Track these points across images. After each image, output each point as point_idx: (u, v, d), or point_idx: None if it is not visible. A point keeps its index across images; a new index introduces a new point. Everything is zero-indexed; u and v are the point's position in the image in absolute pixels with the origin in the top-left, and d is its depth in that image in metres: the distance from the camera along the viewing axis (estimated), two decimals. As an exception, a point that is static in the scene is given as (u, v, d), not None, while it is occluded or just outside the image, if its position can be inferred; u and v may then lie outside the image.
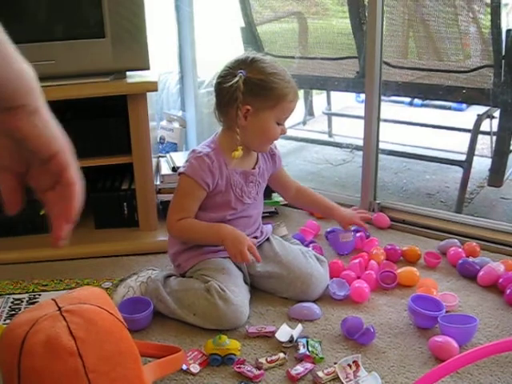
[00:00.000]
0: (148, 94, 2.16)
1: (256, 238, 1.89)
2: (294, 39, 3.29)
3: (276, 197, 2.40)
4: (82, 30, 2.12)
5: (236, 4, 3.20)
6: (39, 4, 2.12)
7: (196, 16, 3.00)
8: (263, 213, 2.00)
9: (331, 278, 1.86)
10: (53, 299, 1.24)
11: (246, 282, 1.82)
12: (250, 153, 1.87)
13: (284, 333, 1.60)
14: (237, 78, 1.71)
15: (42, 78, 2.15)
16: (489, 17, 2.56)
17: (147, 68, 2.14)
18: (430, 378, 1.12)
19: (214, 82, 1.82)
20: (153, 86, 2.13)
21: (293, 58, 3.24)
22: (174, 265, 1.90)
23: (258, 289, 1.85)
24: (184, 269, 1.84)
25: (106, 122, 2.21)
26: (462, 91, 2.69)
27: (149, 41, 2.12)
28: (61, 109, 2.24)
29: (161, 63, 2.42)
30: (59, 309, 1.19)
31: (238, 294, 1.69)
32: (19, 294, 1.91)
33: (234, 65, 1.76)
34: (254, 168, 1.88)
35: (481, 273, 1.88)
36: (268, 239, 1.92)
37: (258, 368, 1.48)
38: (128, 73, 2.19)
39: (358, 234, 2.15)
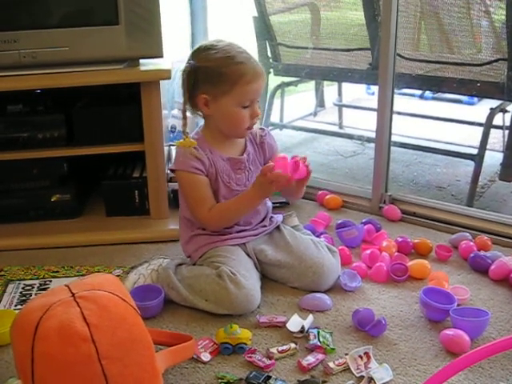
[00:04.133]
0: (160, 82, 2.16)
1: (265, 226, 1.89)
2: (307, 30, 3.27)
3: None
4: (96, 17, 2.12)
5: (249, -7, 3.19)
6: (53, -10, 2.12)
7: (209, 4, 2.99)
8: (274, 203, 1.99)
9: (342, 266, 1.86)
10: (66, 285, 1.24)
11: (256, 268, 1.82)
12: (235, 140, 1.87)
13: (295, 323, 1.60)
14: (187, 69, 1.74)
15: (55, 65, 2.16)
16: (501, 11, 2.55)
17: (161, 56, 2.13)
18: (443, 375, 1.11)
19: None
20: (166, 74, 2.13)
21: (306, 48, 3.23)
22: (186, 255, 1.91)
23: (268, 278, 1.85)
24: (194, 259, 1.85)
25: (118, 110, 2.21)
26: (476, 84, 2.67)
27: (162, 28, 2.12)
28: (74, 96, 2.25)
29: (173, 51, 2.41)
30: (73, 295, 1.19)
31: (249, 278, 1.69)
32: (30, 279, 1.92)
33: (190, 55, 1.78)
34: (241, 155, 1.87)
35: (492, 267, 1.87)
36: (279, 229, 1.92)
37: (269, 358, 1.48)
38: (141, 60, 2.18)
39: (365, 227, 2.14)
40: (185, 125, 1.78)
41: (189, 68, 1.73)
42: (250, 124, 1.78)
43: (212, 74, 1.71)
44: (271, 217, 1.95)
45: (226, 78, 1.70)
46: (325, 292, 1.78)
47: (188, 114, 2.78)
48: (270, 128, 3.47)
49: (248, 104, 1.75)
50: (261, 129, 1.93)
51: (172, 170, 1.83)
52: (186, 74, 1.74)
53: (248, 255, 1.82)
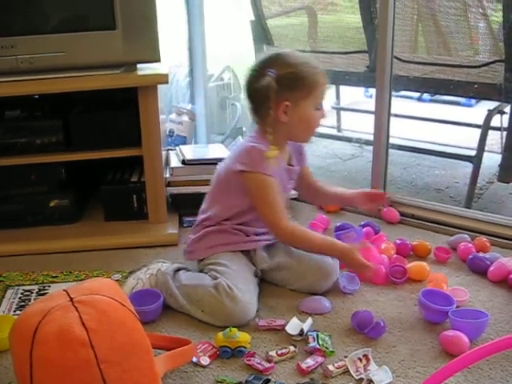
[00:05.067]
0: (158, 86, 2.16)
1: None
2: (304, 33, 3.28)
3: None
4: (92, 22, 2.12)
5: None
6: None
7: (206, 9, 2.99)
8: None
9: (340, 268, 1.86)
10: (64, 290, 1.24)
11: (256, 275, 1.82)
12: (284, 149, 1.85)
13: (294, 326, 1.60)
14: (268, 78, 1.71)
15: (52, 70, 2.17)
16: (498, 13, 2.55)
17: (158, 60, 2.14)
18: (442, 375, 1.11)
19: (244, 87, 1.82)
20: (163, 79, 2.13)
21: (303, 51, 3.21)
22: (187, 250, 1.90)
23: (268, 282, 1.85)
24: (201, 256, 1.84)
25: (116, 115, 2.21)
26: (473, 86, 2.67)
27: (159, 33, 2.12)
28: (71, 101, 2.25)
29: (170, 56, 2.42)
30: (71, 299, 1.19)
31: (246, 292, 1.68)
32: (29, 285, 1.92)
33: (260, 66, 1.77)
34: (289, 164, 1.88)
35: (491, 268, 1.87)
36: None
37: (268, 361, 1.48)
38: (138, 65, 2.19)
39: (364, 229, 2.14)
40: (271, 139, 1.75)
41: (270, 78, 1.71)
42: (318, 126, 1.84)
43: (294, 78, 1.72)
44: None
45: (307, 82, 1.73)
46: (324, 295, 1.78)
47: (185, 117, 2.79)
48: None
49: (320, 106, 1.79)
50: None
51: (242, 171, 1.76)
52: (267, 86, 1.71)
53: (252, 262, 1.83)
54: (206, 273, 1.78)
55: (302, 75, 1.73)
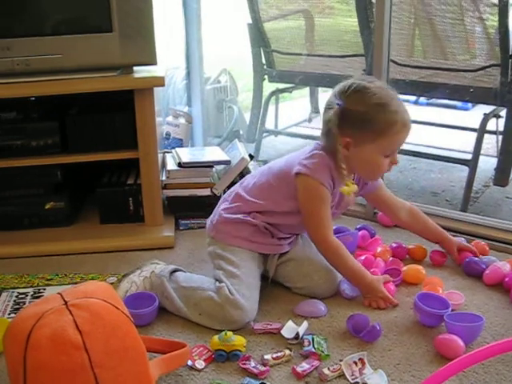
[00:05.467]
0: (154, 89, 2.16)
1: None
2: (301, 37, 3.28)
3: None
4: (89, 25, 2.12)
5: (243, 0, 3.19)
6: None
7: (203, 12, 2.99)
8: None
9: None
10: (59, 293, 1.24)
11: (266, 277, 1.82)
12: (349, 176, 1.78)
13: (290, 329, 1.60)
14: (333, 110, 1.67)
15: (49, 72, 2.16)
16: (494, 17, 2.56)
17: (154, 63, 2.14)
18: (437, 378, 1.11)
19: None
20: (160, 81, 2.13)
21: (300, 55, 3.24)
22: (214, 226, 1.85)
23: (271, 280, 1.84)
24: (220, 239, 1.81)
25: (112, 117, 2.20)
26: (469, 90, 2.68)
27: (156, 36, 2.12)
28: (67, 103, 2.25)
29: (167, 58, 2.42)
30: (65, 303, 1.19)
31: (249, 298, 1.66)
32: (24, 288, 1.91)
33: (336, 93, 1.70)
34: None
35: (487, 272, 1.87)
36: None
37: (264, 364, 1.47)
38: (135, 68, 2.19)
39: (359, 233, 2.14)
40: (342, 177, 1.70)
41: (337, 109, 1.66)
42: (386, 171, 1.76)
43: (361, 119, 1.65)
44: None
45: (376, 127, 1.65)
46: (320, 298, 1.78)
47: (181, 120, 2.79)
48: (265, 135, 3.47)
49: (390, 153, 1.71)
50: None
51: (299, 173, 1.73)
52: (329, 118, 1.68)
53: (264, 265, 1.83)
54: (213, 265, 1.78)
55: (370, 118, 1.64)
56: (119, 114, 2.21)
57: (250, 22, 3.25)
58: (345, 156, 1.69)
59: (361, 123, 1.65)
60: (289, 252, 1.85)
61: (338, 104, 1.66)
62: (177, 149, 2.59)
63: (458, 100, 3.51)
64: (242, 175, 2.31)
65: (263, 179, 1.83)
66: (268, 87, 3.48)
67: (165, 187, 2.35)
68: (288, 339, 1.58)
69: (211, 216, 1.90)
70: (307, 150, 1.78)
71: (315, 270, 1.79)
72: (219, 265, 1.76)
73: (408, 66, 2.87)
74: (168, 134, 2.93)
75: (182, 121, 2.94)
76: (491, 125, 2.87)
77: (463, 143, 3.28)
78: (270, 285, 1.84)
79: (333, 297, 1.80)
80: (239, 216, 1.80)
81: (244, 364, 1.47)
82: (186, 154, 2.47)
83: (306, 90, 4.16)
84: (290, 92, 3.73)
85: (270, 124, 3.65)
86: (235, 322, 1.62)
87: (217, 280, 1.71)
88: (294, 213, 1.77)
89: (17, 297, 1.86)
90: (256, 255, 1.80)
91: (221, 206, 1.88)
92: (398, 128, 1.66)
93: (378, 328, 1.57)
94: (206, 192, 2.36)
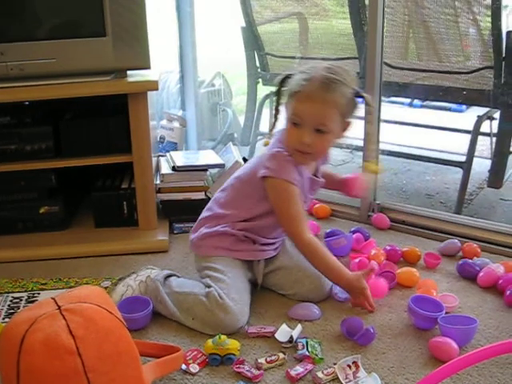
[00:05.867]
0: (148, 93, 2.16)
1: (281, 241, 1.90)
2: (295, 39, 3.28)
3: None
4: (83, 29, 2.12)
5: (237, 4, 3.20)
6: (40, 2, 2.12)
7: (197, 15, 3.00)
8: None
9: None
10: (52, 298, 1.24)
11: (254, 284, 1.82)
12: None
13: (283, 333, 1.60)
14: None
15: (43, 77, 2.16)
16: (489, 19, 2.56)
17: (148, 67, 2.13)
18: (431, 381, 1.11)
19: None
20: (153, 86, 2.13)
21: (293, 58, 3.24)
22: (195, 243, 1.86)
23: (262, 286, 1.84)
24: (201, 253, 1.83)
25: (106, 121, 2.20)
26: (462, 92, 2.69)
27: (149, 40, 2.12)
28: (61, 107, 2.25)
29: (161, 62, 2.42)
30: (59, 307, 1.19)
31: (238, 302, 1.66)
32: (18, 292, 1.91)
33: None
34: (313, 175, 1.84)
35: (481, 274, 1.88)
36: None
37: (258, 368, 1.47)
38: (129, 72, 2.18)
39: (353, 236, 2.14)
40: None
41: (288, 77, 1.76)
42: (298, 147, 1.71)
43: (290, 82, 1.72)
44: None
45: (290, 88, 1.71)
46: (313, 301, 1.78)
47: (176, 124, 2.79)
48: (259, 138, 3.47)
49: (297, 121, 1.70)
50: None
51: (264, 177, 1.75)
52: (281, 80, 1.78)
53: (251, 271, 1.82)
54: (201, 277, 1.78)
55: (289, 80, 1.72)
56: (113, 118, 2.21)
57: (244, 25, 3.25)
58: None
59: (290, 85, 1.72)
60: (277, 261, 1.85)
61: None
62: (171, 152, 2.59)
63: (452, 102, 3.52)
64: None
65: (233, 190, 1.86)
66: (262, 90, 3.48)
67: (159, 191, 2.35)
68: (282, 343, 1.58)
69: (191, 234, 1.91)
70: (268, 150, 1.80)
71: (305, 276, 1.79)
72: (206, 274, 1.76)
73: (402, 68, 2.87)
74: (162, 138, 2.93)
75: (176, 124, 2.95)
76: (485, 127, 2.88)
77: (457, 145, 3.29)
78: (263, 289, 1.85)
79: (327, 300, 1.80)
80: (217, 228, 1.82)
81: (238, 368, 1.47)
82: (180, 158, 2.47)
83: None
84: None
85: (264, 127, 3.65)
86: (226, 327, 1.62)
87: (206, 286, 1.71)
88: (268, 213, 1.78)
89: (11, 301, 1.85)
90: (240, 262, 1.80)
91: (200, 221, 1.90)
92: (300, 96, 1.68)
93: (372, 331, 1.57)
94: (201, 196, 2.36)
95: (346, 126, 1.74)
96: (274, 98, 1.80)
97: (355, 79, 1.74)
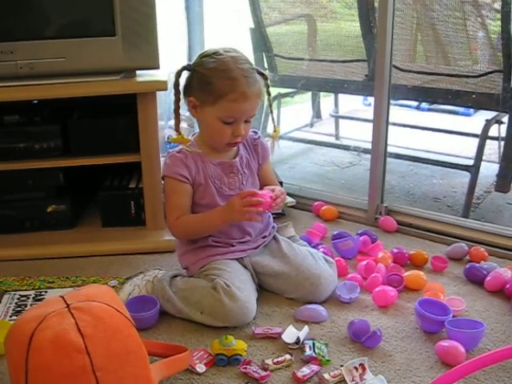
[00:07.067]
0: (157, 93, 2.16)
1: (265, 237, 1.90)
2: (303, 41, 3.29)
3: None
4: (92, 28, 2.13)
5: (246, 5, 3.20)
6: (51, 1, 2.12)
7: (206, 16, 3.00)
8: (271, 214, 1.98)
9: (338, 277, 1.86)
10: (61, 296, 1.24)
11: (253, 281, 1.82)
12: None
13: (290, 334, 1.60)
14: (179, 69, 1.78)
15: (52, 76, 2.16)
16: (498, 22, 2.56)
17: (157, 67, 2.14)
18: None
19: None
20: (162, 85, 2.13)
21: (302, 59, 3.24)
22: (182, 267, 1.90)
23: (265, 289, 1.85)
24: (192, 272, 1.84)
25: (114, 121, 2.21)
26: (471, 96, 2.68)
27: (159, 40, 2.12)
28: (70, 106, 2.25)
29: (170, 62, 2.42)
30: (67, 306, 1.19)
31: (244, 290, 1.68)
32: (25, 290, 1.92)
33: (197, 57, 1.79)
34: (234, 158, 1.86)
35: (488, 278, 1.87)
36: (276, 239, 1.91)
37: (264, 369, 1.47)
38: (138, 72, 2.19)
39: (360, 238, 2.14)
40: (177, 123, 1.82)
41: (186, 69, 1.77)
42: (230, 141, 1.76)
43: (202, 81, 1.72)
44: (273, 226, 1.95)
45: (214, 90, 1.70)
46: (320, 303, 1.78)
47: (183, 124, 2.79)
48: (267, 139, 3.47)
49: (231, 121, 1.73)
50: (253, 131, 1.92)
51: (163, 177, 1.85)
52: (179, 74, 1.78)
53: (245, 267, 1.82)
54: (203, 278, 1.78)
55: (209, 81, 1.70)
56: (121, 117, 2.21)
57: (253, 26, 3.26)
58: (198, 120, 1.82)
59: (202, 85, 1.72)
60: (275, 266, 1.83)
61: (188, 64, 1.77)
62: (179, 153, 2.58)
63: (460, 106, 3.51)
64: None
65: None
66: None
67: (166, 191, 2.35)
68: (289, 344, 1.58)
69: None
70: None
71: (304, 278, 1.79)
72: (207, 274, 1.77)
73: (410, 71, 2.87)
74: (170, 138, 2.93)
75: (183, 125, 2.94)
76: (493, 131, 2.87)
77: (465, 149, 3.29)
78: (269, 290, 1.86)
79: (333, 302, 1.80)
80: (187, 247, 1.87)
81: (245, 368, 1.47)
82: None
83: (308, 95, 4.16)
84: (292, 97, 3.75)
85: (271, 129, 3.64)
86: (235, 315, 1.63)
87: (211, 281, 1.71)
88: (207, 207, 1.81)
89: (18, 299, 1.86)
90: (233, 260, 1.81)
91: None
92: (235, 96, 1.68)
93: (379, 334, 1.57)
94: (208, 196, 2.36)
95: None
96: (174, 94, 1.80)
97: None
